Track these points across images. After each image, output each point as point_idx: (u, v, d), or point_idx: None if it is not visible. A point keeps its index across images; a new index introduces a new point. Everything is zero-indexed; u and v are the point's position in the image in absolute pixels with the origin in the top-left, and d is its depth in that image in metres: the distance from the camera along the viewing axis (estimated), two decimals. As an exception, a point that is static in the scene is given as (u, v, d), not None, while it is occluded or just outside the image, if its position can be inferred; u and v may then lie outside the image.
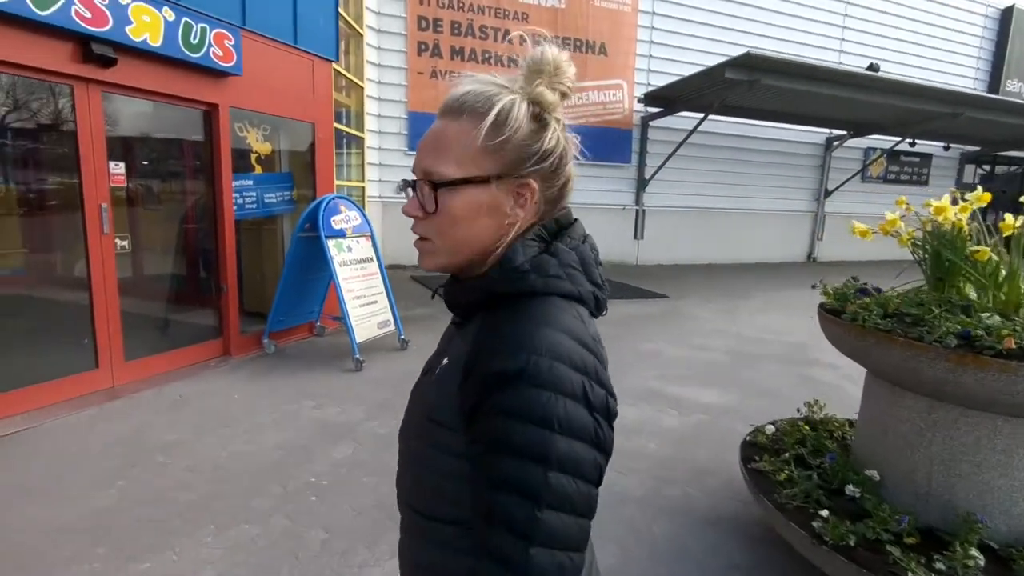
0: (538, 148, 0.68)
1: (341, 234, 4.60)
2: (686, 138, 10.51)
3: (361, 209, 4.82)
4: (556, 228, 0.73)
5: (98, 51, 3.33)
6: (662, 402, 4.10)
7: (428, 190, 0.68)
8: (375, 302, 4.80)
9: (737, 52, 11.00)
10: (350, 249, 4.67)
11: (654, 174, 11.13)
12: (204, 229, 4.61)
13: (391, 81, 9.34)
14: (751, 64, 8.55)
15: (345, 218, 4.67)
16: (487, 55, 9.86)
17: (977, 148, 14.55)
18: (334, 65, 5.56)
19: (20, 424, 3.23)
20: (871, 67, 9.96)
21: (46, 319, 3.68)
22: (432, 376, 0.75)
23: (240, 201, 4.58)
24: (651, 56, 11.11)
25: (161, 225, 4.63)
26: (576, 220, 0.76)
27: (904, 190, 14.61)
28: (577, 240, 0.73)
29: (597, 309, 0.74)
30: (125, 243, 3.86)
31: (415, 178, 0.71)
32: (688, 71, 10.54)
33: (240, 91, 4.34)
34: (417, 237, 0.72)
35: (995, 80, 14.63)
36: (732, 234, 12.52)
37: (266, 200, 4.94)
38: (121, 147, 3.96)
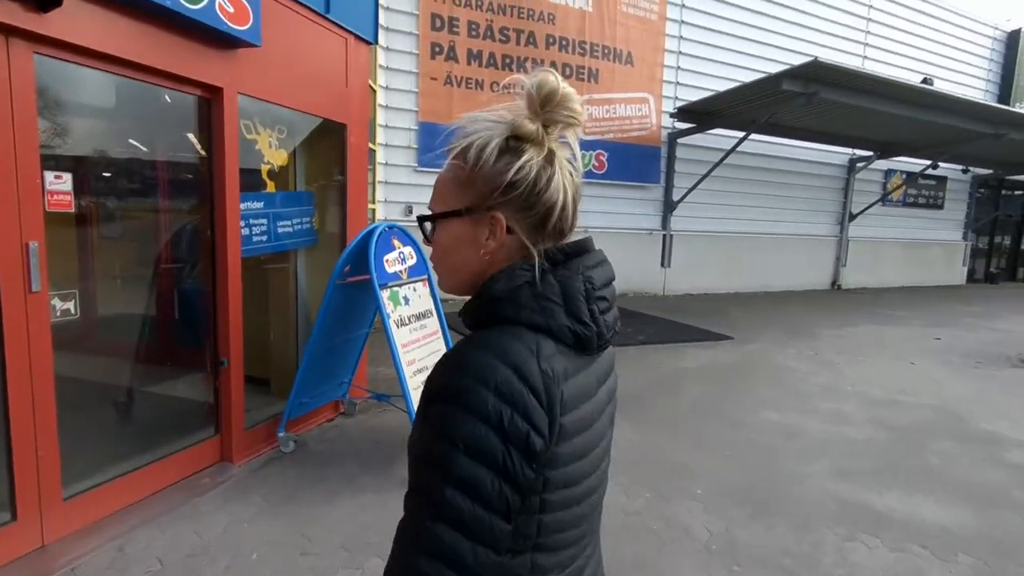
0: (502, 180, 0.68)
1: (395, 279, 3.21)
2: (725, 157, 9.52)
3: (416, 242, 3.44)
4: (562, 258, 0.72)
5: (28, -19, 1.92)
6: (849, 521, 2.84)
7: (427, 223, 0.76)
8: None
9: (767, 67, 10.26)
10: (407, 301, 3.27)
11: (684, 196, 10.08)
12: (194, 273, 3.16)
13: (400, 87, 7.99)
14: (813, 74, 7.62)
15: (399, 256, 3.28)
16: (508, 61, 8.65)
17: (990, 171, 14.21)
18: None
19: None
20: (925, 81, 9.24)
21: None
22: None
23: (246, 231, 3.14)
24: (679, 68, 10.15)
25: (128, 270, 3.15)
26: (587, 252, 0.75)
27: (921, 214, 14.09)
28: (572, 271, 0.72)
29: (580, 345, 0.71)
30: (68, 305, 2.37)
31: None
32: (717, 85, 9.66)
33: (254, 72, 2.95)
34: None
35: (1003, 103, 14.38)
36: (758, 260, 11.58)
37: (280, 230, 3.51)
38: (67, 149, 2.51)
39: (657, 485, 3.13)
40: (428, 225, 0.76)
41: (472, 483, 0.61)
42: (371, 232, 3.09)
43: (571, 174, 0.73)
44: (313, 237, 3.85)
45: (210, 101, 2.82)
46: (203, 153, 2.95)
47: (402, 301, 3.22)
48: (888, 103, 8.47)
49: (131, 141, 3.03)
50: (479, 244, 0.72)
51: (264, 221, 3.29)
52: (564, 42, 9.11)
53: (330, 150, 3.88)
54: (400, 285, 3.25)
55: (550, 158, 0.70)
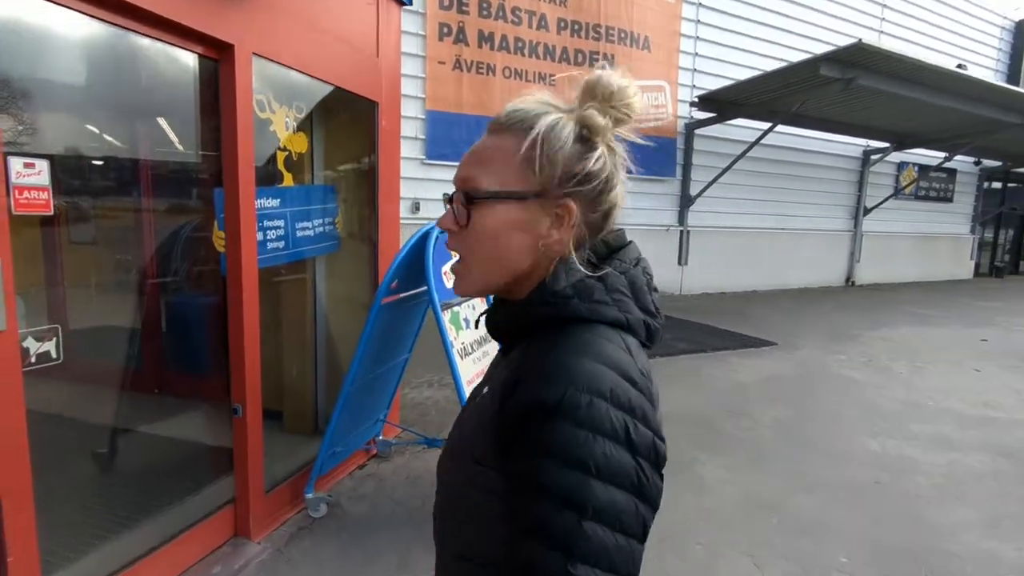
0: (581, 169, 0.63)
1: (454, 297, 2.53)
2: (750, 148, 8.98)
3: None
4: (606, 251, 0.68)
5: None
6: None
7: (463, 201, 0.64)
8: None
9: (785, 55, 9.74)
10: (467, 323, 2.59)
11: (704, 190, 9.51)
12: (198, 292, 2.44)
13: (405, 71, 7.24)
14: (854, 59, 7.08)
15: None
16: (520, 44, 7.96)
17: (999, 163, 13.96)
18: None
19: None
20: (959, 67, 8.80)
21: None
22: (473, 405, 0.70)
23: (260, 236, 2.42)
24: (696, 54, 9.56)
25: (113, 288, 2.43)
26: (631, 242, 0.71)
27: (932, 207, 13.78)
28: (628, 263, 0.67)
29: (648, 339, 0.67)
30: (48, 346, 1.65)
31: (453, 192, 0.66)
32: (735, 73, 9.12)
33: (271, 28, 2.23)
34: (454, 263, 0.68)
35: (1011, 94, 14.15)
36: (774, 257, 11.09)
37: (299, 233, 2.79)
38: (33, 128, 1.79)
39: (790, 552, 2.51)
40: (460, 203, 0.65)
41: (613, 511, 0.54)
42: (427, 235, 2.40)
43: (624, 180, 0.68)
44: (336, 242, 3.15)
45: (217, 63, 2.10)
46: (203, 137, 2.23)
47: (463, 324, 2.54)
48: (926, 91, 7.99)
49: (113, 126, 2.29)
50: (538, 234, 0.64)
51: (281, 223, 2.57)
52: (577, 26, 8.45)
53: (355, 135, 3.17)
54: (459, 304, 2.57)
55: (613, 156, 0.66)
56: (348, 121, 3.16)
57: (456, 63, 7.53)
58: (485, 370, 2.47)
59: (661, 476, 0.60)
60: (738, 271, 10.63)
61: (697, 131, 9.66)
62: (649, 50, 9.07)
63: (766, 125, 8.88)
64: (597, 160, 0.63)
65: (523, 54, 8.02)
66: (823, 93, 7.80)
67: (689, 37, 9.43)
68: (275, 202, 2.59)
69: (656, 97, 9.29)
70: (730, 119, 9.29)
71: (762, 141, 9.02)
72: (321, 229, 2.99)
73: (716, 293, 10.33)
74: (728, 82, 8.79)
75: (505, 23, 7.83)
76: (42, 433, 1.65)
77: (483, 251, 0.65)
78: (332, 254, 3.18)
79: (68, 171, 2.20)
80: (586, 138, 0.63)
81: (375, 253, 3.18)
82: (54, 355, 1.67)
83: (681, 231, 9.92)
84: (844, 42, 7.35)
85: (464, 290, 0.69)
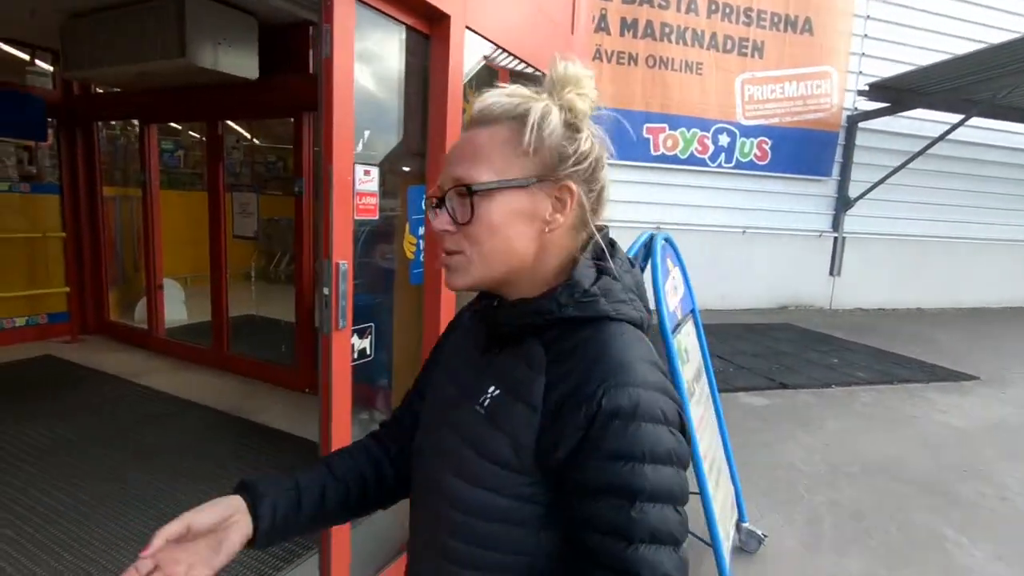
0: (575, 149, 0.64)
1: (675, 320, 2.06)
2: (933, 143, 7.70)
3: (682, 262, 2.28)
4: (608, 246, 0.69)
5: None
6: None
7: (462, 198, 0.64)
8: (716, 466, 2.21)
9: (988, 35, 8.18)
10: (687, 355, 2.11)
11: (868, 191, 8.30)
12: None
13: (543, 62, 6.90)
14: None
15: (673, 285, 2.12)
16: (666, 30, 7.32)
17: None
18: None
19: None
20: None
21: None
22: (475, 405, 0.66)
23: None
24: (865, 36, 8.34)
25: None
26: (615, 241, 0.72)
27: None
28: (627, 263, 0.70)
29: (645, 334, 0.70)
30: (364, 343, 1.47)
31: (441, 193, 0.66)
32: (915, 57, 7.82)
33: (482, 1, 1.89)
34: (447, 257, 0.67)
35: None
36: (946, 269, 9.53)
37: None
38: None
39: None
40: (456, 201, 0.64)
41: (681, 492, 0.58)
42: (650, 242, 1.95)
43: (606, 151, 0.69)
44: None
45: (428, 39, 1.78)
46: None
47: (685, 356, 2.06)
48: None
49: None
50: (541, 220, 0.64)
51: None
52: (728, 9, 7.64)
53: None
54: (679, 329, 2.09)
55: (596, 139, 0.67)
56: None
57: (596, 53, 7.05)
58: (703, 414, 1.97)
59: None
60: (902, 285, 9.24)
61: (861, 124, 8.45)
62: (811, 32, 8.03)
63: (951, 116, 7.55)
64: (587, 140, 0.65)
65: (669, 40, 7.37)
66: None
67: (859, 16, 8.25)
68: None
69: (818, 85, 8.22)
70: (907, 110, 8.01)
71: (933, 134, 7.69)
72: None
73: (873, 309, 9.05)
74: (904, 67, 7.55)
75: (651, 7, 7.22)
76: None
77: (491, 243, 0.63)
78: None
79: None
80: (570, 122, 0.64)
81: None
82: (368, 352, 1.68)
83: (835, 238, 8.76)
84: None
85: (459, 284, 0.66)
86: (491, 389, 0.66)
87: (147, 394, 3.73)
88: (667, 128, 7.63)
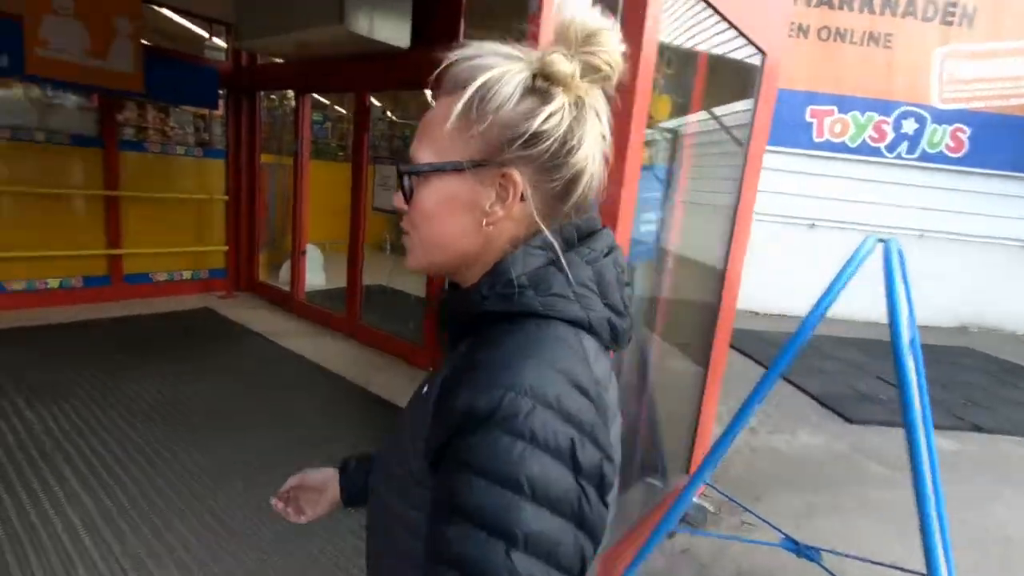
0: (525, 129, 0.52)
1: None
2: None
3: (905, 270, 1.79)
4: (575, 236, 0.57)
5: None
6: None
7: (405, 179, 0.56)
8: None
9: None
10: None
11: (1099, 195, 6.70)
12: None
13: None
14: None
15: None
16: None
17: None
18: None
19: None
20: None
21: None
22: (409, 407, 0.62)
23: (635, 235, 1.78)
24: (1118, -1, 6.63)
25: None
26: (604, 228, 0.60)
27: None
28: (598, 252, 0.57)
29: (614, 340, 0.57)
30: None
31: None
32: None
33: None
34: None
35: None
36: None
37: (642, 227, 2.12)
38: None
39: None
40: (407, 180, 0.56)
41: (548, 542, 0.45)
42: (888, 251, 1.51)
43: (603, 136, 0.55)
44: (650, 246, 2.42)
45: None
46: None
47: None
48: None
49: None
50: (480, 211, 0.55)
51: (652, 217, 1.92)
52: (933, -32, 6.43)
53: (721, 98, 2.38)
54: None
55: (582, 111, 0.53)
56: (712, 76, 2.38)
57: (798, 29, 6.29)
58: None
59: (606, 504, 0.50)
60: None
61: (1097, 111, 6.80)
62: (1039, -3, 6.54)
63: None
64: (551, 116, 0.51)
65: (850, 8, 6.37)
66: None
67: (1111, -26, 6.57)
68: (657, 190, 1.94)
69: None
70: None
71: None
72: (646, 228, 2.29)
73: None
74: None
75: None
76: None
77: (427, 230, 0.57)
78: (646, 262, 2.47)
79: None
80: (543, 90, 0.52)
81: (724, 264, 2.38)
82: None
83: (1044, 250, 7.22)
84: None
85: (410, 264, 0.60)
86: (424, 390, 0.60)
87: (287, 356, 3.89)
88: (836, 111, 6.66)
